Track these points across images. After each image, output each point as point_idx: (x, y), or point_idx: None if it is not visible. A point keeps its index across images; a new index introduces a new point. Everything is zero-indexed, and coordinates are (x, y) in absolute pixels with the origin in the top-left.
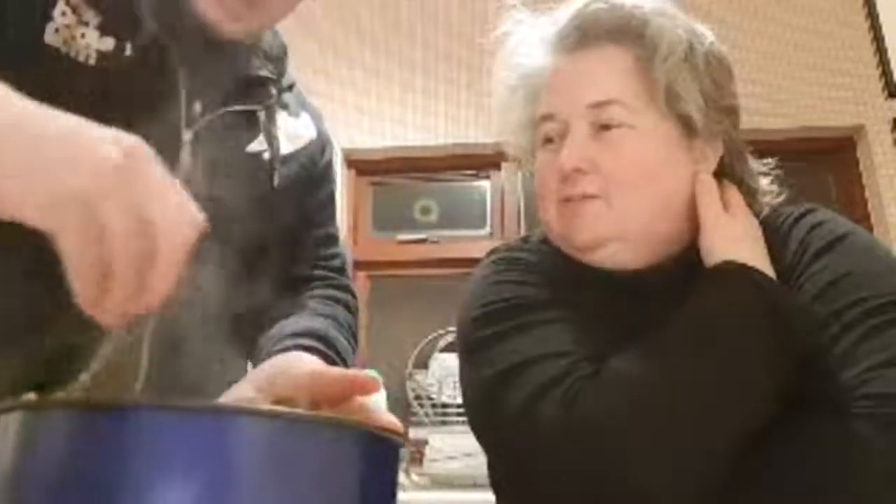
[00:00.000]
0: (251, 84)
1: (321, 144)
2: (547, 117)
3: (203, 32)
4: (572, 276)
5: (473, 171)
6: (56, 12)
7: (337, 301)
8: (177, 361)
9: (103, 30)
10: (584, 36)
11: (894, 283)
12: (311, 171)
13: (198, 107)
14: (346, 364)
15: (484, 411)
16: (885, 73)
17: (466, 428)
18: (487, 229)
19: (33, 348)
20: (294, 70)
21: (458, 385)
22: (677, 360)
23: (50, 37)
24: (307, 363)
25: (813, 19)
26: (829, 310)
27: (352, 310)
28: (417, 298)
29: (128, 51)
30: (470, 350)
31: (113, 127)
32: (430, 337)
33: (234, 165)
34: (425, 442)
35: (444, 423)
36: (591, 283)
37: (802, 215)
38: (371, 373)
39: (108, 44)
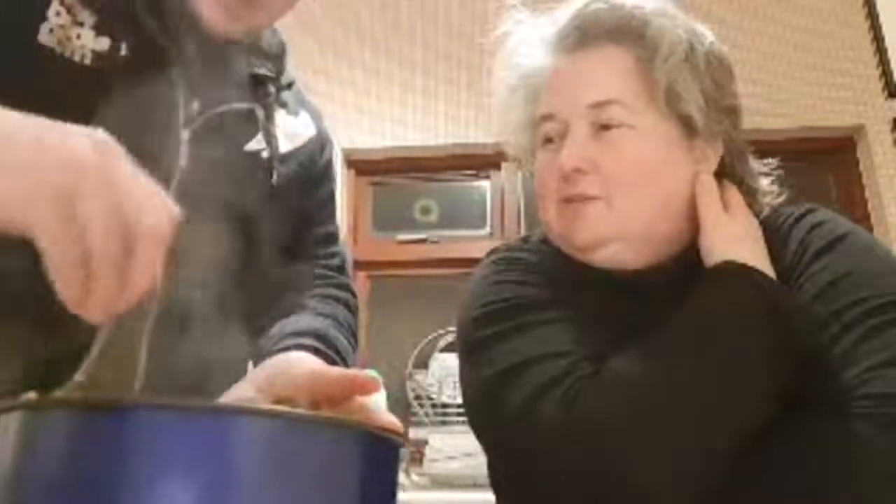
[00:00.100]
0: (249, 82)
1: (321, 143)
2: (547, 117)
3: (201, 31)
4: (572, 276)
5: (473, 171)
6: (50, 12)
7: (337, 300)
8: (176, 361)
9: (99, 30)
10: (584, 36)
11: (894, 283)
12: (311, 170)
13: (196, 106)
14: (346, 364)
15: (484, 411)
16: (885, 73)
17: (466, 428)
18: (487, 229)
19: (36, 347)
20: (293, 69)
21: (458, 385)
22: (677, 360)
23: (44, 37)
24: (307, 363)
25: (813, 19)
26: (829, 310)
27: (352, 309)
28: (417, 298)
29: (123, 51)
30: (470, 350)
31: (110, 127)
32: (430, 337)
33: (233, 164)
34: (425, 442)
35: (444, 423)
36: (591, 283)
37: (803, 215)
38: (371, 373)
39: (104, 44)
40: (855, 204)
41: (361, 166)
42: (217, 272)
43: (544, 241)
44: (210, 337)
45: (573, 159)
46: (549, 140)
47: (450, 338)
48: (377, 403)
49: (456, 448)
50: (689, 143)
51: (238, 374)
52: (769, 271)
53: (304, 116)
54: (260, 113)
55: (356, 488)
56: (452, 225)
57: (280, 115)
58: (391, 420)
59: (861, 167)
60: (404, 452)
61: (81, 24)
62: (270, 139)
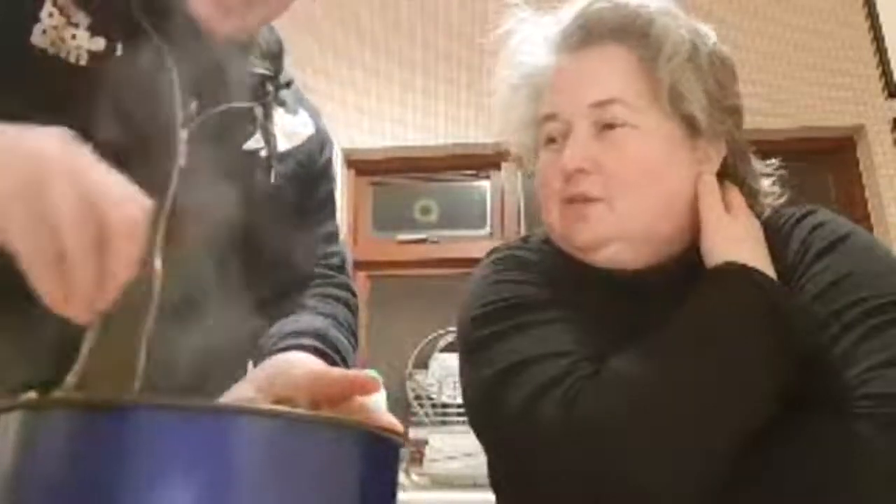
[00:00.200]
0: (248, 82)
1: (320, 141)
2: (550, 117)
3: (198, 31)
4: (573, 276)
5: (473, 171)
6: (43, 14)
7: (337, 300)
8: (175, 361)
9: (94, 30)
10: (587, 35)
11: (895, 284)
12: (310, 169)
13: (194, 105)
14: (346, 363)
15: (484, 411)
16: (885, 73)
17: (466, 428)
18: (487, 229)
19: (41, 346)
20: (292, 68)
21: (458, 385)
22: (677, 361)
23: (37, 38)
24: (307, 363)
25: (813, 19)
26: (830, 310)
27: (352, 308)
28: (417, 298)
29: (119, 51)
30: (470, 350)
31: (107, 127)
32: (430, 337)
33: (231, 163)
34: (425, 442)
35: (444, 423)
36: (591, 283)
37: (804, 216)
38: (371, 373)
39: (99, 44)
40: (855, 204)
41: (361, 166)
42: (216, 272)
43: (546, 241)
44: (209, 336)
45: (576, 159)
46: (551, 140)
47: (450, 338)
48: (377, 403)
49: (456, 448)
50: (691, 143)
51: (238, 373)
52: (770, 272)
53: (303, 115)
54: (258, 112)
55: (356, 488)
56: (452, 225)
57: (278, 114)
58: (391, 420)
59: (861, 167)
60: (404, 452)
61: (76, 25)
62: (269, 138)
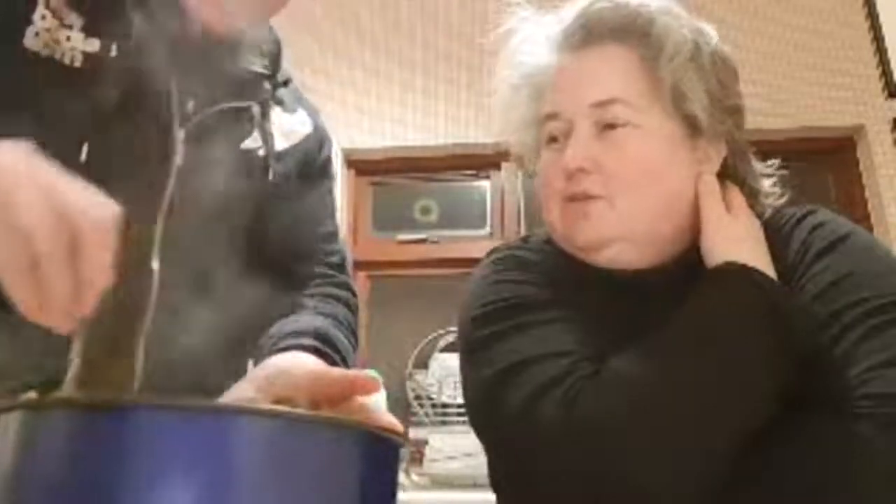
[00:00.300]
0: (244, 80)
1: (318, 140)
2: (551, 116)
3: (194, 29)
4: (573, 276)
5: (473, 171)
6: (35, 16)
7: (337, 299)
8: (175, 361)
9: (88, 31)
10: (588, 34)
11: (895, 284)
12: (309, 167)
13: (190, 105)
14: (346, 363)
15: (484, 411)
16: (885, 73)
17: (466, 428)
18: (487, 229)
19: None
20: (290, 66)
21: (458, 385)
22: (677, 361)
23: (29, 41)
24: (307, 363)
25: (813, 19)
26: (830, 310)
27: (352, 308)
28: (417, 298)
29: (114, 51)
30: (470, 350)
31: (104, 127)
32: (430, 337)
33: (229, 163)
34: (425, 442)
35: (444, 423)
36: (591, 283)
37: (804, 216)
38: (371, 373)
39: (94, 45)
40: (855, 204)
41: (361, 166)
42: (215, 271)
43: (546, 241)
44: (208, 335)
45: (577, 159)
46: (553, 139)
47: (450, 338)
48: (377, 403)
49: (456, 448)
50: (692, 143)
51: (237, 373)
52: (770, 272)
53: (301, 113)
54: (255, 111)
55: (356, 488)
56: (452, 225)
57: (276, 113)
58: (391, 420)
59: (861, 167)
60: (404, 452)
61: (70, 27)
62: (266, 137)
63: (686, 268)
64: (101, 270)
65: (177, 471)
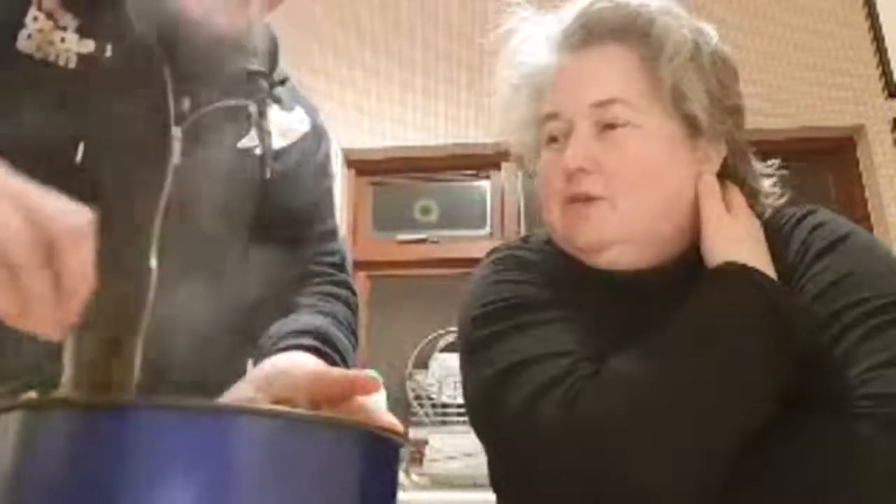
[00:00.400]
0: (241, 79)
1: (317, 138)
2: (551, 116)
3: (190, 28)
4: (573, 276)
5: (473, 171)
6: (28, 19)
7: (337, 298)
8: (174, 360)
9: (82, 32)
10: (588, 34)
11: (895, 284)
12: (307, 166)
13: (186, 103)
14: (346, 363)
15: (484, 411)
16: (885, 73)
17: (466, 428)
18: (487, 229)
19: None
20: (288, 65)
21: (458, 385)
22: (677, 361)
23: (22, 43)
24: (307, 363)
25: (813, 19)
26: (830, 310)
27: (351, 306)
28: (417, 298)
29: (108, 52)
30: (470, 350)
31: (101, 128)
32: (430, 337)
33: (226, 162)
34: (425, 442)
35: (444, 423)
36: (591, 283)
37: (804, 216)
38: (371, 373)
39: (89, 46)
40: (855, 204)
41: (361, 166)
42: (213, 270)
43: (546, 242)
44: (210, 336)
45: (577, 159)
46: (553, 139)
47: (450, 338)
48: (377, 403)
49: (456, 448)
50: (692, 143)
51: (237, 372)
52: (770, 272)
53: (299, 112)
54: (252, 109)
55: (356, 488)
56: (452, 225)
57: (273, 111)
58: (391, 420)
59: (861, 167)
60: (404, 452)
61: (64, 28)
62: (264, 136)
63: (686, 268)
64: (81, 276)
65: (177, 471)
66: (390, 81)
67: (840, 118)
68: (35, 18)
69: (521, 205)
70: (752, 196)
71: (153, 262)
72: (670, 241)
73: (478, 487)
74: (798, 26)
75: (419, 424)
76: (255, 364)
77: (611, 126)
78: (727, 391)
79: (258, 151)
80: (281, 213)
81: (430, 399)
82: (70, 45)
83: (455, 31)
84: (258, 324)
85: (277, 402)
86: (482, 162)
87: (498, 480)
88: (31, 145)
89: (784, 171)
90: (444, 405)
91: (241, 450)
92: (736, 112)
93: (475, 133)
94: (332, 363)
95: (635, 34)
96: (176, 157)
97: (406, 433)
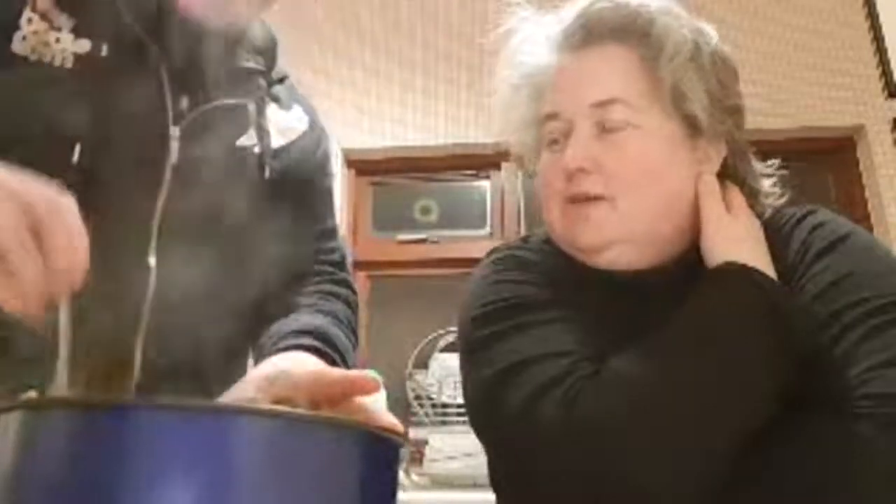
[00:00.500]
0: (239, 77)
1: (316, 137)
2: (551, 116)
3: (186, 26)
4: (573, 276)
5: (473, 171)
6: (22, 20)
7: (337, 296)
8: (175, 360)
9: (78, 32)
10: (588, 34)
11: (895, 284)
12: (306, 165)
13: (184, 102)
14: (346, 362)
15: (484, 411)
16: (885, 73)
17: (466, 428)
18: (487, 229)
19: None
20: (287, 64)
21: (458, 385)
22: (677, 361)
23: (17, 45)
24: (307, 363)
25: (813, 19)
26: (830, 310)
27: (351, 305)
28: (417, 298)
29: (104, 51)
30: (470, 350)
31: (98, 127)
32: (430, 337)
33: (224, 160)
34: (425, 442)
35: (444, 423)
36: (591, 283)
37: (804, 216)
38: (371, 373)
39: (85, 46)
40: (855, 204)
41: (361, 166)
42: (213, 269)
43: (546, 242)
44: (210, 335)
45: (577, 159)
46: (553, 139)
47: (450, 338)
48: (377, 403)
49: (456, 448)
50: (692, 143)
51: (236, 372)
52: (770, 272)
53: (297, 110)
54: (251, 108)
55: (356, 488)
56: (452, 225)
57: (272, 110)
58: (391, 420)
59: (861, 167)
60: (404, 452)
61: (59, 30)
62: (262, 134)
63: (686, 268)
64: (70, 252)
65: (177, 471)
66: (390, 81)
67: (840, 118)
68: (30, 20)
69: (521, 205)
70: (752, 196)
71: (152, 261)
72: (670, 241)
73: (478, 487)
74: (798, 26)
75: (419, 424)
76: (255, 364)
77: (611, 126)
78: (727, 391)
79: (257, 150)
80: (279, 212)
81: (430, 399)
82: (66, 46)
83: (455, 31)
84: (258, 323)
85: (277, 402)
86: (482, 162)
87: (498, 480)
88: (29, 146)
89: (784, 171)
90: (444, 405)
91: (241, 450)
92: (736, 112)
93: (475, 133)
94: (333, 363)
95: (635, 34)
96: (174, 157)
97: (406, 433)
